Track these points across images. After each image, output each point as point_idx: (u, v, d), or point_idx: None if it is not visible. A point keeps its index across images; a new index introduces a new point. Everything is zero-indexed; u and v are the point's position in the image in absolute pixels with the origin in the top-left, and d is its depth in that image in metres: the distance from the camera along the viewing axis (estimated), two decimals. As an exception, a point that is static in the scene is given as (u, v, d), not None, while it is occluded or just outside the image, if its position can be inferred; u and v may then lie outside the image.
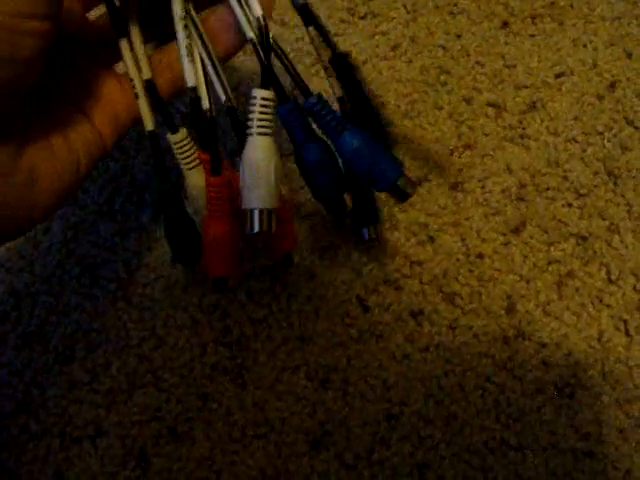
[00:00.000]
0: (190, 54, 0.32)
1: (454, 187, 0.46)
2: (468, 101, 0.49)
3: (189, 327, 0.42)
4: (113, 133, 0.34)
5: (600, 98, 0.49)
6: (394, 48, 0.51)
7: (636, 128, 0.47)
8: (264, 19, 0.31)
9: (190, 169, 0.34)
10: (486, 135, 0.47)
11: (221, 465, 0.39)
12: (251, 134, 0.31)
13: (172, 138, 0.34)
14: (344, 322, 0.42)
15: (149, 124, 0.34)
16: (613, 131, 0.47)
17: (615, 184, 0.46)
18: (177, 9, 0.31)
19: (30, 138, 0.29)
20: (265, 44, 0.31)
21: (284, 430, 0.40)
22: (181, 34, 0.32)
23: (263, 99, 0.31)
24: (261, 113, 0.31)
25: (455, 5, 0.52)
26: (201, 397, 0.41)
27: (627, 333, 0.42)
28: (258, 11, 0.31)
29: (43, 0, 0.25)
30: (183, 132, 0.34)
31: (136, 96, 0.33)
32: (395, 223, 0.44)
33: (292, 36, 0.52)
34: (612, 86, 0.49)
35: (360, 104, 0.38)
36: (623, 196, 0.45)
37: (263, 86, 0.31)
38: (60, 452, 0.40)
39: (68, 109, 0.33)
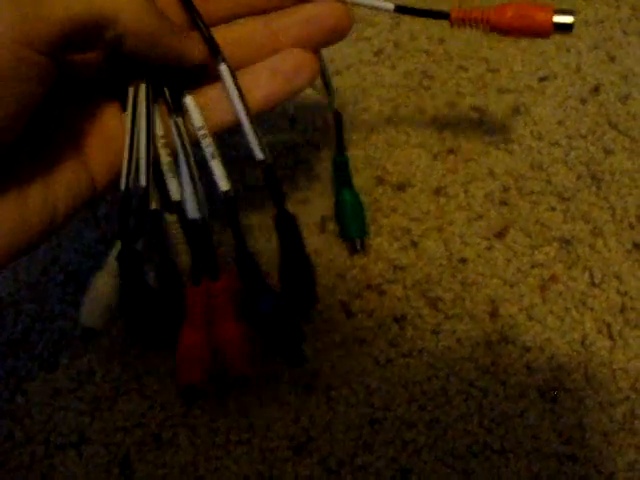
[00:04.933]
0: (172, 171, 0.33)
1: (437, 192, 0.46)
2: (452, 106, 0.49)
3: (173, 334, 0.42)
4: (109, 173, 0.32)
5: (584, 102, 0.49)
6: (377, 53, 0.51)
7: (619, 131, 0.48)
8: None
9: None
10: (469, 140, 0.48)
11: (205, 471, 0.39)
12: None
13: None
14: (327, 327, 0.42)
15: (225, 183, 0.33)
16: (596, 135, 0.48)
17: (598, 187, 0.46)
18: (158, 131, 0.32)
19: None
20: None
21: (267, 436, 0.40)
22: (163, 154, 0.33)
23: None
24: None
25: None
26: (185, 403, 0.41)
27: (610, 336, 0.42)
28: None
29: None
30: None
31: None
32: (378, 228, 0.45)
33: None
34: (595, 90, 0.50)
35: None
36: (606, 199, 0.45)
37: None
38: (44, 459, 0.40)
39: (60, 147, 0.31)
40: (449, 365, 0.41)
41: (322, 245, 0.44)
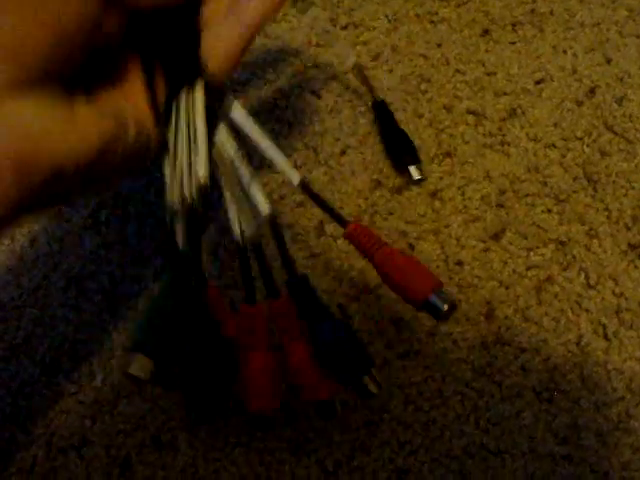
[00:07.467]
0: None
1: (434, 195, 0.46)
2: (448, 109, 0.49)
3: (172, 337, 0.43)
4: None
5: (579, 104, 0.49)
6: (375, 57, 0.51)
7: (615, 133, 0.48)
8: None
9: None
10: (466, 142, 0.48)
11: (204, 473, 0.39)
12: None
13: None
14: (325, 330, 0.42)
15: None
16: (592, 136, 0.48)
17: (594, 189, 0.46)
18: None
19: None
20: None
21: (266, 437, 0.40)
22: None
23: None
24: None
25: (436, 14, 0.53)
26: (184, 406, 0.41)
27: (606, 337, 0.42)
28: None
29: None
30: None
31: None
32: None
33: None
34: (591, 92, 0.50)
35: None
36: (602, 201, 0.46)
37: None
38: (46, 462, 0.40)
39: None
40: (445, 367, 0.41)
41: (320, 248, 0.45)
